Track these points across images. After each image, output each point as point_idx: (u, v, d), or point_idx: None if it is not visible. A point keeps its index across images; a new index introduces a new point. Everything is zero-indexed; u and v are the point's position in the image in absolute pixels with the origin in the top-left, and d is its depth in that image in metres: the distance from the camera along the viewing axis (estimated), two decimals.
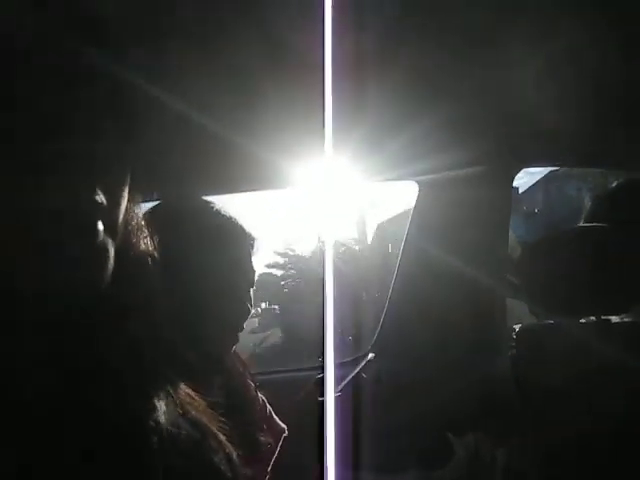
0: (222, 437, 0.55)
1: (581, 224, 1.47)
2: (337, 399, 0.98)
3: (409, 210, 1.72)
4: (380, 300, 1.84)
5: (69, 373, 0.42)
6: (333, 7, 0.77)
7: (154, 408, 0.48)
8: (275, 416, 1.15)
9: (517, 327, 1.76)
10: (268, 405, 1.16)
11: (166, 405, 0.50)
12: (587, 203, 1.59)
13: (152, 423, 0.47)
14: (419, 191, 1.66)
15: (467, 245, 1.58)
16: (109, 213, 0.41)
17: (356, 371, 1.04)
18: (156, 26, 0.87)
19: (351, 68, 0.98)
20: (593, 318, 1.30)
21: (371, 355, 1.13)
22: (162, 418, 0.48)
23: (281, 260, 11.80)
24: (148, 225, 0.87)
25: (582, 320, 1.36)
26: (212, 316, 0.98)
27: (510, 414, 1.26)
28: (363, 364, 1.06)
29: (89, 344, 0.44)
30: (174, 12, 0.86)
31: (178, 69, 0.97)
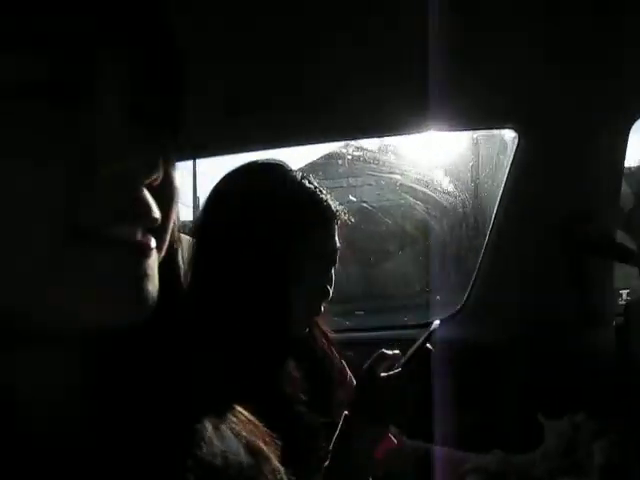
0: (275, 460, 0.50)
1: None
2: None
3: (505, 161, 1.58)
4: (472, 258, 1.72)
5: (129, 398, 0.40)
6: None
7: (207, 432, 0.44)
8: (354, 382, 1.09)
9: (625, 293, 1.59)
10: (349, 373, 1.11)
11: (219, 426, 0.46)
12: None
13: (206, 450, 0.43)
14: (518, 140, 1.51)
15: (573, 199, 1.42)
16: (162, 228, 0.38)
17: (419, 343, 0.95)
18: None
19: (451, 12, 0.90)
20: None
21: (436, 323, 1.03)
22: (215, 442, 0.44)
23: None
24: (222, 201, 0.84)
25: None
26: (286, 301, 0.89)
27: (613, 396, 1.13)
28: (427, 334, 0.98)
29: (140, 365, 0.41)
30: None
31: None
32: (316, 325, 1.03)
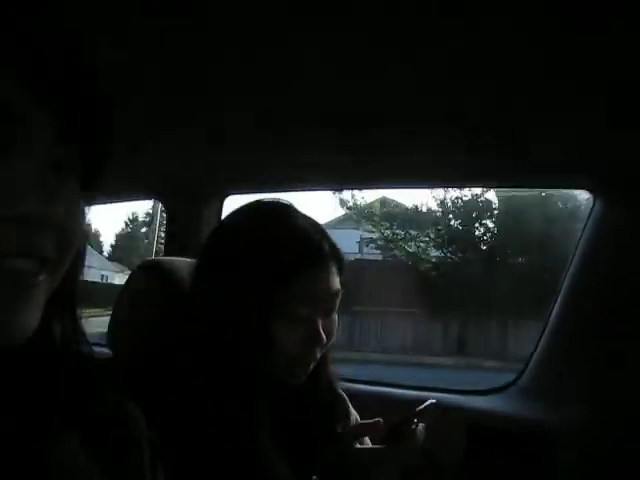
0: None
1: None
2: None
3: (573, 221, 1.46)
4: (534, 324, 1.60)
5: None
6: None
7: None
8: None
9: None
10: (358, 420, 1.06)
11: None
12: None
13: None
14: (594, 202, 1.40)
15: None
16: (57, 263, 0.43)
17: (405, 417, 0.92)
18: None
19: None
20: None
21: (431, 401, 0.95)
22: None
23: None
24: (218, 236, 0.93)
25: None
26: (270, 343, 0.84)
27: None
28: (418, 411, 0.93)
29: None
30: None
31: None
32: (321, 372, 0.96)
